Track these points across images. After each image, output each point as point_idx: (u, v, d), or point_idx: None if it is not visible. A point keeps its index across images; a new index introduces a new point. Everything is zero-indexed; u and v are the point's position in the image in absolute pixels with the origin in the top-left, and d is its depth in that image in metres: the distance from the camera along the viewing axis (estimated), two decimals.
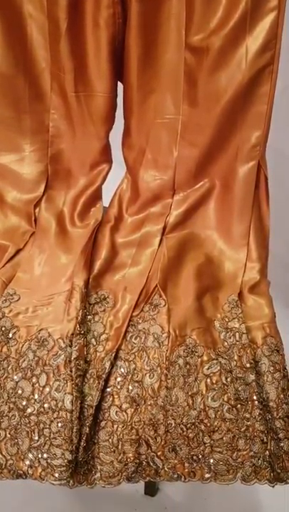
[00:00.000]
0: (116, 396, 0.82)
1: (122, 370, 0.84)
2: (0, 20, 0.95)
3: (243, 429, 0.79)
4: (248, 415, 0.80)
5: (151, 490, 1.26)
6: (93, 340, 0.87)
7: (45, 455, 0.75)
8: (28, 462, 0.75)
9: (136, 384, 0.82)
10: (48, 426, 0.77)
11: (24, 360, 0.83)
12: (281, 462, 0.76)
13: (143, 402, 0.81)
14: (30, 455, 0.76)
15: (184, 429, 0.78)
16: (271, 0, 0.87)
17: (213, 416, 0.79)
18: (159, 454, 0.78)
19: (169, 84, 0.98)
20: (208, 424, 0.79)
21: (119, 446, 0.78)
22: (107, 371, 0.83)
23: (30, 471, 0.75)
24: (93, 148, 1.07)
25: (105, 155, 1.09)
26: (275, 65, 0.92)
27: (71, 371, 0.81)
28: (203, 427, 0.79)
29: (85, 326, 0.88)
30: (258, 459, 0.77)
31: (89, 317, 0.90)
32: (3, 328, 0.88)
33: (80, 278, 0.93)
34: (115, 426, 0.79)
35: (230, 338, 0.88)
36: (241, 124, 0.97)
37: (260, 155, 0.98)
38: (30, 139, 1.08)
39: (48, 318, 0.89)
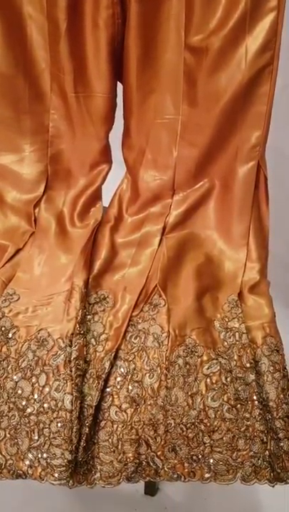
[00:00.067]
0: (116, 396, 0.82)
1: (122, 370, 0.84)
2: (0, 21, 0.95)
3: (242, 429, 0.79)
4: (247, 415, 0.80)
5: (151, 490, 1.26)
6: (93, 340, 0.87)
7: (44, 455, 0.75)
8: (27, 462, 0.75)
9: (136, 384, 0.82)
10: (47, 426, 0.77)
11: (24, 360, 0.83)
12: (281, 462, 0.76)
13: (143, 402, 0.81)
14: (29, 455, 0.76)
15: (184, 429, 0.78)
16: (271, 0, 0.87)
17: (213, 416, 0.79)
18: (158, 453, 0.78)
19: (169, 84, 0.98)
20: (208, 424, 0.79)
21: (119, 446, 0.78)
22: (106, 371, 0.83)
23: (29, 471, 0.75)
24: (93, 148, 1.07)
25: (105, 155, 1.09)
26: (274, 65, 0.92)
27: (71, 371, 0.81)
28: (203, 426, 0.79)
29: (85, 325, 0.88)
30: (258, 459, 0.77)
31: (88, 317, 0.90)
32: (2, 328, 0.88)
33: (80, 278, 0.93)
34: (115, 426, 0.79)
35: (230, 338, 0.88)
36: (241, 124, 0.97)
37: (259, 155, 0.98)
38: (30, 139, 1.08)
39: (47, 318, 0.89)
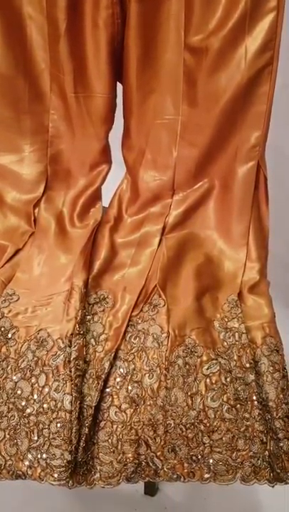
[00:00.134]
0: (115, 396, 0.82)
1: (122, 370, 0.84)
2: (0, 21, 0.95)
3: (242, 429, 0.79)
4: (247, 415, 0.80)
5: (151, 490, 1.26)
6: (92, 340, 0.87)
7: (44, 455, 0.75)
8: (27, 463, 0.75)
9: (135, 384, 0.82)
10: (47, 426, 0.77)
11: (23, 361, 0.83)
12: (281, 462, 0.76)
13: (142, 402, 0.81)
14: (29, 455, 0.75)
15: (184, 429, 0.78)
16: (270, 0, 0.87)
17: (213, 416, 0.79)
18: (158, 454, 0.77)
19: (169, 84, 0.98)
20: (208, 425, 0.79)
21: (119, 447, 0.78)
22: (106, 371, 0.83)
23: (29, 472, 0.75)
24: (93, 148, 1.07)
25: (105, 155, 1.09)
26: (274, 65, 0.92)
27: (70, 371, 0.81)
28: (202, 427, 0.79)
29: (85, 326, 0.88)
30: (258, 459, 0.77)
31: (88, 317, 0.90)
32: (2, 329, 0.88)
33: (80, 278, 0.93)
34: (115, 426, 0.79)
35: (229, 338, 0.88)
36: (241, 124, 0.97)
37: (259, 155, 0.98)
38: (30, 139, 1.08)
39: (47, 318, 0.89)
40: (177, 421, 0.79)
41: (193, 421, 0.79)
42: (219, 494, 1.26)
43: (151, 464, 0.77)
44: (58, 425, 0.76)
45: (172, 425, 0.78)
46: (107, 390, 0.82)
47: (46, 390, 0.80)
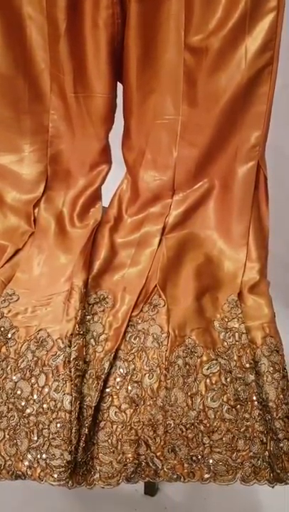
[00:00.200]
0: (115, 396, 0.82)
1: (121, 370, 0.84)
2: (0, 21, 0.95)
3: (242, 430, 0.79)
4: (247, 416, 0.80)
5: (151, 490, 1.26)
6: (92, 340, 0.87)
7: (44, 456, 0.75)
8: (27, 463, 0.75)
9: (135, 384, 0.82)
10: (47, 426, 0.77)
11: (23, 361, 0.83)
12: (281, 463, 0.76)
13: (142, 402, 0.81)
14: (29, 456, 0.75)
15: (184, 429, 0.78)
16: (270, 0, 0.87)
17: (213, 416, 0.79)
18: (158, 454, 0.77)
19: (169, 84, 0.98)
20: (208, 425, 0.79)
21: (119, 447, 0.77)
22: (106, 371, 0.83)
23: (29, 472, 0.75)
24: (93, 148, 1.07)
25: (105, 155, 1.09)
26: (274, 65, 0.92)
27: (70, 371, 0.80)
28: (202, 427, 0.79)
29: (84, 326, 0.88)
30: (258, 460, 0.77)
31: (88, 317, 0.90)
32: (2, 329, 0.88)
33: (80, 278, 0.93)
34: (114, 426, 0.79)
35: (229, 338, 0.88)
36: (241, 124, 0.97)
37: (259, 155, 0.98)
38: (30, 139, 1.08)
39: (47, 318, 0.89)
40: (177, 421, 0.79)
41: (193, 421, 0.79)
42: (219, 494, 1.26)
43: (151, 464, 0.77)
44: (58, 425, 0.76)
45: (172, 425, 0.78)
46: (107, 390, 0.82)
47: (46, 390, 0.80)
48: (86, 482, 0.76)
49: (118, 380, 0.83)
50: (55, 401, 0.78)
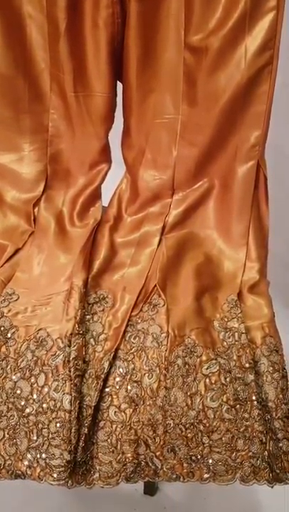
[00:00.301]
0: (115, 396, 0.82)
1: (121, 370, 0.84)
2: (0, 21, 0.95)
3: (242, 430, 0.79)
4: (247, 415, 0.80)
5: (150, 489, 1.26)
6: (92, 340, 0.87)
7: (43, 455, 0.75)
8: (26, 462, 0.75)
9: (135, 384, 0.82)
10: (46, 426, 0.77)
11: (23, 360, 0.83)
12: (280, 462, 0.76)
13: (142, 402, 0.81)
14: (28, 455, 0.75)
15: (183, 429, 0.78)
16: (270, 0, 0.87)
17: (212, 416, 0.79)
18: (157, 454, 0.77)
19: (169, 84, 0.98)
20: (207, 425, 0.79)
21: (118, 447, 0.77)
22: (105, 371, 0.82)
23: (28, 472, 0.75)
24: (92, 148, 1.07)
25: (104, 155, 1.09)
26: (274, 65, 0.91)
27: (70, 371, 0.80)
28: (202, 427, 0.79)
29: (84, 325, 0.88)
30: (257, 460, 0.77)
31: (88, 317, 0.90)
32: (1, 328, 0.88)
33: (79, 278, 0.93)
34: (114, 426, 0.79)
35: (229, 338, 0.88)
36: (240, 123, 0.97)
37: (259, 155, 0.98)
38: (30, 138, 1.08)
39: (46, 318, 0.89)
40: (177, 421, 0.79)
41: (192, 421, 0.79)
42: (219, 494, 1.26)
43: (150, 464, 0.77)
44: (58, 425, 0.76)
45: (172, 425, 0.78)
46: (107, 389, 0.82)
47: (46, 389, 0.80)
48: (86, 482, 0.76)
49: (118, 379, 0.83)
50: (54, 401, 0.78)
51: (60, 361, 0.82)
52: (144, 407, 0.80)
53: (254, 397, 0.81)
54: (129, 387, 0.82)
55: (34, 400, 0.79)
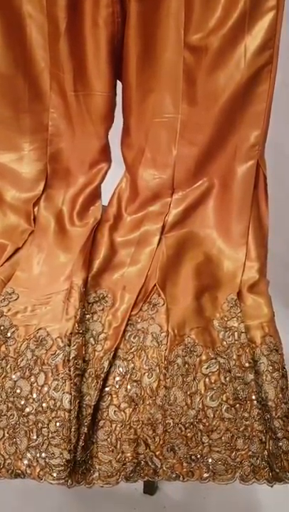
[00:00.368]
0: (114, 395, 0.82)
1: (121, 369, 0.84)
2: (0, 20, 0.95)
3: (241, 429, 0.79)
4: (246, 415, 0.80)
5: (150, 489, 1.26)
6: (92, 339, 0.87)
7: (43, 454, 0.75)
8: (26, 462, 0.75)
9: (134, 383, 0.82)
10: (46, 425, 0.77)
11: (23, 360, 0.83)
12: (280, 462, 0.76)
13: (141, 401, 0.81)
14: (28, 454, 0.76)
15: (183, 428, 0.78)
16: None
17: (212, 415, 0.79)
18: (157, 453, 0.77)
19: (168, 83, 0.98)
20: (207, 424, 0.79)
21: (118, 446, 0.77)
22: (105, 370, 0.83)
23: (28, 471, 0.75)
24: (92, 147, 1.07)
25: (104, 154, 1.09)
26: (274, 64, 0.92)
27: (69, 370, 0.80)
28: (201, 426, 0.79)
29: (84, 325, 0.88)
30: (257, 459, 0.77)
31: (87, 316, 0.90)
32: (1, 327, 0.88)
33: (79, 277, 0.93)
34: (114, 425, 0.79)
35: (229, 337, 0.88)
36: (240, 123, 0.97)
37: (259, 154, 0.98)
38: (30, 137, 1.08)
39: (46, 317, 0.89)
40: (176, 420, 0.79)
41: (192, 420, 0.79)
42: (219, 493, 1.26)
43: (150, 463, 0.77)
44: (57, 424, 0.76)
45: (171, 424, 0.78)
46: (106, 389, 0.82)
47: (45, 389, 0.80)
48: (85, 481, 0.76)
49: (117, 379, 0.83)
50: (54, 400, 0.78)
51: (60, 360, 0.82)
52: (144, 406, 0.80)
53: (254, 397, 0.81)
54: (128, 387, 0.82)
55: (34, 399, 0.79)
